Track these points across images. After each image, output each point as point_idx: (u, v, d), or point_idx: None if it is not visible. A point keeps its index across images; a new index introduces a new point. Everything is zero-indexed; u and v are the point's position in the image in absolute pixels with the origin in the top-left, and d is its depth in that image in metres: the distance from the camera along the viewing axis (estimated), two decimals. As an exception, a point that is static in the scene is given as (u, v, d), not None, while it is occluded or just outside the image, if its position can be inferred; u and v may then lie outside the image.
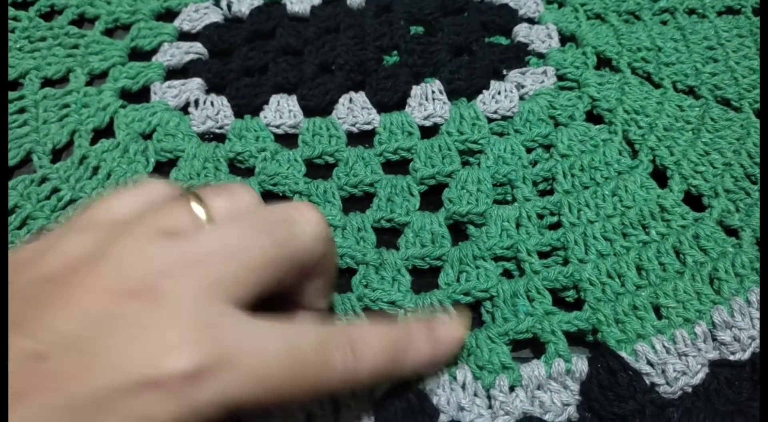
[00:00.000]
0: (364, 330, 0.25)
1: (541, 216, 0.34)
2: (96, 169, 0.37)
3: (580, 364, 0.28)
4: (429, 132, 0.39)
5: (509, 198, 0.36)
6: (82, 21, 0.47)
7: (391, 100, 0.40)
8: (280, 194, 0.36)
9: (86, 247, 0.22)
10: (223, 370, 0.20)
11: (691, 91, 0.40)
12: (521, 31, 0.44)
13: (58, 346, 0.20)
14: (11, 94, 0.41)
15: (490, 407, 0.28)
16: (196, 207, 0.24)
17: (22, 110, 0.40)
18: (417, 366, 0.26)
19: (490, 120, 0.39)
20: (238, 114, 0.40)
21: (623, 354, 0.28)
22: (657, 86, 0.41)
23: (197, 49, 0.44)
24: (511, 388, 0.28)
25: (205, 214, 0.24)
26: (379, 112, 0.40)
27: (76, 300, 0.21)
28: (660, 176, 0.36)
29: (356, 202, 0.36)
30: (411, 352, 0.26)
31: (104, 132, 0.40)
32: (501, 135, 0.38)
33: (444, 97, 0.40)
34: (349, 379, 0.24)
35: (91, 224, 0.23)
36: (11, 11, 0.46)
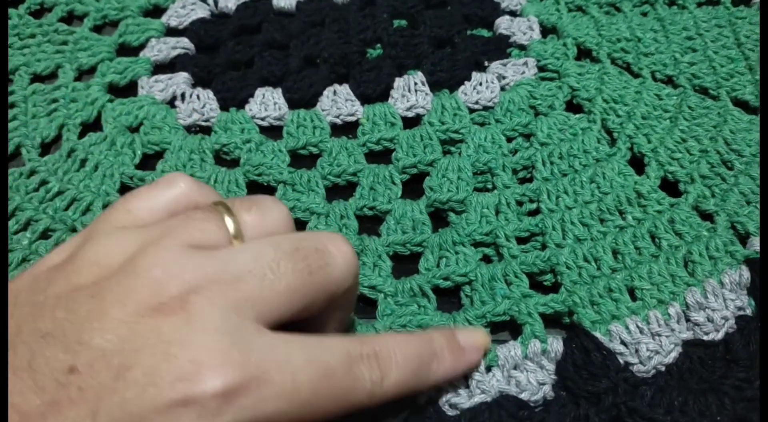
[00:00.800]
0: (389, 342, 0.25)
1: (520, 203, 0.35)
2: (84, 162, 0.38)
3: (556, 344, 0.29)
4: (411, 122, 0.39)
5: (489, 185, 0.36)
6: (71, 18, 0.47)
7: (374, 92, 0.41)
8: (265, 184, 0.37)
9: (116, 256, 0.22)
10: (254, 387, 0.20)
11: (669, 81, 0.41)
12: (503, 24, 0.44)
13: (90, 360, 0.20)
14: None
15: (467, 386, 0.28)
16: (228, 221, 0.24)
17: (11, 105, 0.41)
18: (441, 377, 0.26)
19: (471, 110, 0.40)
20: (224, 107, 0.41)
21: (597, 334, 0.29)
22: (636, 76, 0.41)
23: (184, 44, 0.44)
24: (488, 368, 0.29)
25: (235, 230, 0.24)
26: (362, 104, 0.40)
27: (108, 315, 0.20)
28: (637, 163, 0.37)
29: (339, 190, 0.36)
30: (435, 363, 0.26)
31: (92, 126, 0.40)
32: (482, 125, 0.39)
33: (426, 89, 0.41)
34: (376, 393, 0.23)
35: (117, 229, 0.23)
36: (1, 9, 0.47)
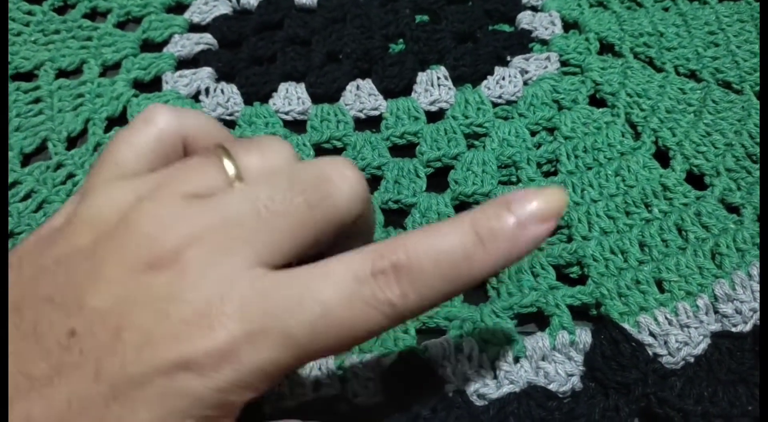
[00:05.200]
0: (412, 246, 0.20)
1: (545, 196, 0.35)
2: (110, 156, 0.38)
3: (584, 336, 0.29)
4: (435, 117, 0.39)
5: (514, 179, 0.36)
6: (94, 14, 0.48)
7: (397, 87, 0.41)
8: (290, 178, 0.37)
9: (111, 214, 0.22)
10: (247, 341, 0.19)
11: (692, 75, 0.41)
12: (525, 19, 0.44)
13: (88, 322, 0.20)
14: (27, 85, 0.42)
15: (495, 377, 0.28)
16: (227, 165, 0.22)
17: (37, 100, 0.41)
18: (488, 272, 0.21)
19: (494, 104, 0.40)
20: (248, 101, 0.41)
21: (626, 325, 0.29)
22: (659, 70, 0.41)
23: (207, 39, 0.45)
24: (516, 359, 0.29)
25: (235, 173, 0.22)
26: (385, 98, 0.40)
27: (103, 276, 0.20)
28: (662, 157, 0.36)
29: (364, 184, 0.37)
30: (477, 257, 0.21)
31: (118, 120, 0.41)
32: (505, 119, 0.39)
33: (449, 83, 0.41)
34: (396, 315, 0.20)
35: (108, 184, 0.23)
36: (25, 6, 0.47)
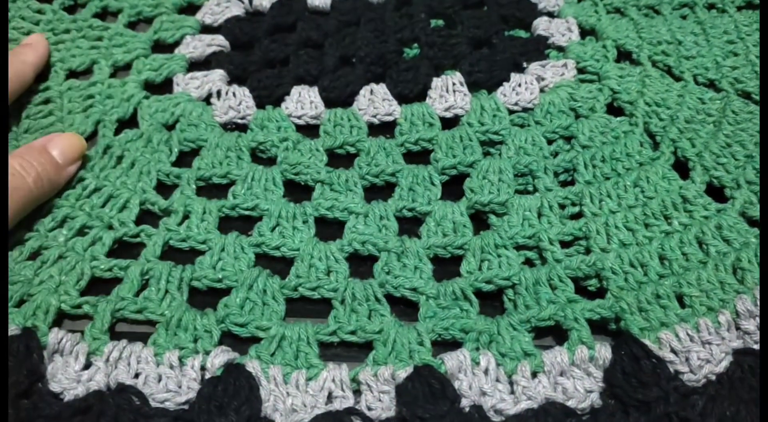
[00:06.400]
0: None
1: (562, 207, 0.35)
2: (120, 159, 0.38)
3: (604, 351, 0.28)
4: (450, 123, 0.39)
5: (530, 188, 0.36)
6: (105, 14, 0.47)
7: (411, 92, 0.40)
8: (302, 183, 0.36)
9: None
10: None
11: (711, 84, 0.40)
12: (541, 25, 0.44)
13: None
14: (36, 85, 0.42)
15: (512, 392, 0.28)
16: None
17: (47, 101, 0.41)
18: None
19: (510, 111, 0.39)
20: (260, 105, 0.40)
21: (647, 341, 0.28)
22: (678, 79, 0.41)
23: (219, 41, 0.44)
24: (534, 374, 0.28)
25: None
26: (399, 104, 0.40)
27: None
28: (682, 168, 0.36)
29: (378, 191, 0.36)
30: None
31: (128, 122, 0.40)
32: (522, 126, 0.38)
33: (464, 89, 0.40)
34: None
35: None
36: (35, 4, 0.47)
